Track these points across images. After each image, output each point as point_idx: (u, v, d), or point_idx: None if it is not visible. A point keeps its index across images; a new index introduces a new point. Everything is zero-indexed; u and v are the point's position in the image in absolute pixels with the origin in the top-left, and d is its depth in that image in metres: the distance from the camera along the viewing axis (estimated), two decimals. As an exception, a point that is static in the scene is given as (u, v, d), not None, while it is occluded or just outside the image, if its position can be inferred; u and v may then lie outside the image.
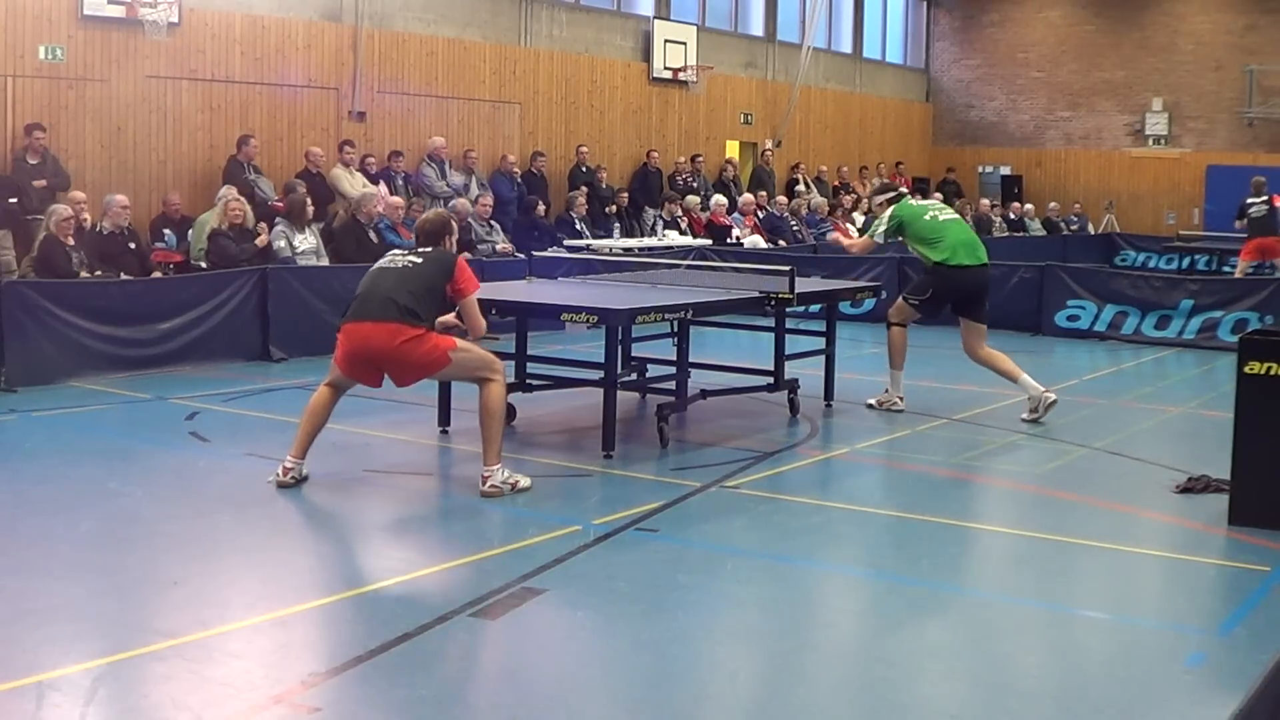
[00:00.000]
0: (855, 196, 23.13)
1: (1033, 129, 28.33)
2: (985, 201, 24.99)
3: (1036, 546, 6.46)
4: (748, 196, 20.49)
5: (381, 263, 7.24)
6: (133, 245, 12.11)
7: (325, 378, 7.30)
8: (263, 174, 14.70)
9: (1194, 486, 7.30)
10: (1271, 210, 18.49)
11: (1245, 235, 18.82)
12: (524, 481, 7.09)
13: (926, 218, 9.74)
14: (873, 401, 9.78)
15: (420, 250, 7.21)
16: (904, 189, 10.32)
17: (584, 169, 18.79)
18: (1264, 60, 25.86)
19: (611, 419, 7.88)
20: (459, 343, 7.15)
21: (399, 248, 7.31)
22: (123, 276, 11.42)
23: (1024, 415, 9.46)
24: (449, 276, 7.07)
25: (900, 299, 9.97)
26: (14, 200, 12.61)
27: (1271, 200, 18.54)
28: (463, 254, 7.32)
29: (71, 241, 11.13)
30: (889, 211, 9.81)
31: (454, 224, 7.59)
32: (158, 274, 12.14)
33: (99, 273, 11.21)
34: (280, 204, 13.70)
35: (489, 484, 6.96)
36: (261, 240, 12.45)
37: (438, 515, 7.00)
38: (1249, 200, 18.68)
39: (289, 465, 7.10)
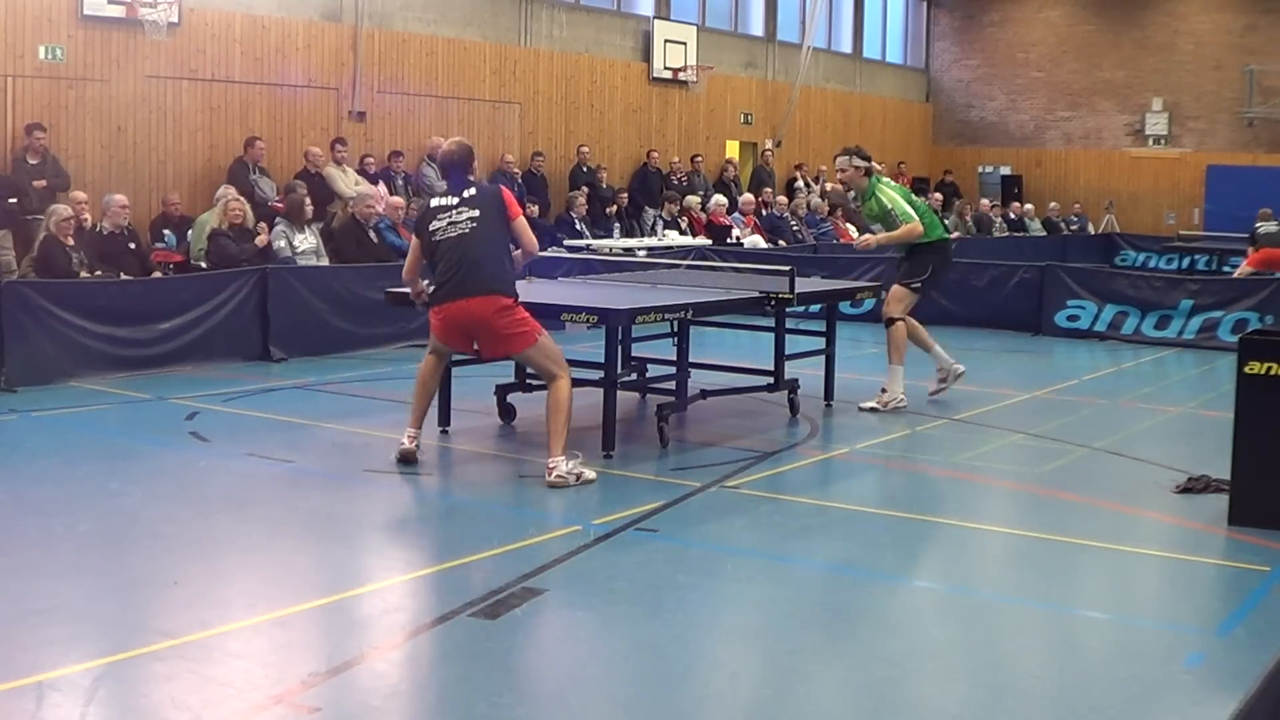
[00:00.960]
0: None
1: (1033, 129, 28.33)
2: (985, 201, 24.99)
3: (1036, 546, 6.46)
4: (748, 196, 20.49)
5: (444, 230, 7.24)
6: (133, 245, 12.11)
7: (428, 348, 7.64)
8: (267, 175, 14.71)
9: (1194, 486, 7.30)
10: None
11: (1251, 245, 18.77)
12: (589, 474, 7.23)
13: (914, 196, 9.92)
14: (875, 404, 9.63)
15: (466, 198, 7.27)
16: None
17: (584, 169, 18.80)
18: (1264, 60, 25.86)
19: (611, 419, 7.88)
20: (545, 332, 7.37)
21: (443, 206, 7.30)
22: (123, 276, 11.42)
23: (932, 389, 9.89)
24: (505, 214, 7.27)
25: (898, 288, 9.84)
26: (14, 200, 12.61)
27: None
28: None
29: (71, 241, 11.13)
30: (889, 192, 9.74)
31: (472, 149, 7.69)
32: (158, 274, 12.14)
33: (99, 273, 11.22)
34: (280, 204, 13.71)
35: (554, 474, 7.09)
36: (261, 240, 12.45)
37: (438, 515, 7.00)
38: (1258, 224, 18.71)
39: (412, 433, 7.49)
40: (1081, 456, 8.35)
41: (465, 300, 7.14)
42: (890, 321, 9.80)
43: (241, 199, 12.94)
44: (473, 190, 7.31)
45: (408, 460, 7.47)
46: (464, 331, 7.30)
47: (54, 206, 11.45)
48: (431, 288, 7.43)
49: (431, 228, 7.30)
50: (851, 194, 10.30)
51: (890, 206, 9.68)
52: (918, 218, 9.70)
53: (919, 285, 9.78)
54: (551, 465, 7.12)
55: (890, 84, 27.87)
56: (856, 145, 10.23)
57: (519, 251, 7.45)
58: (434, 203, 7.47)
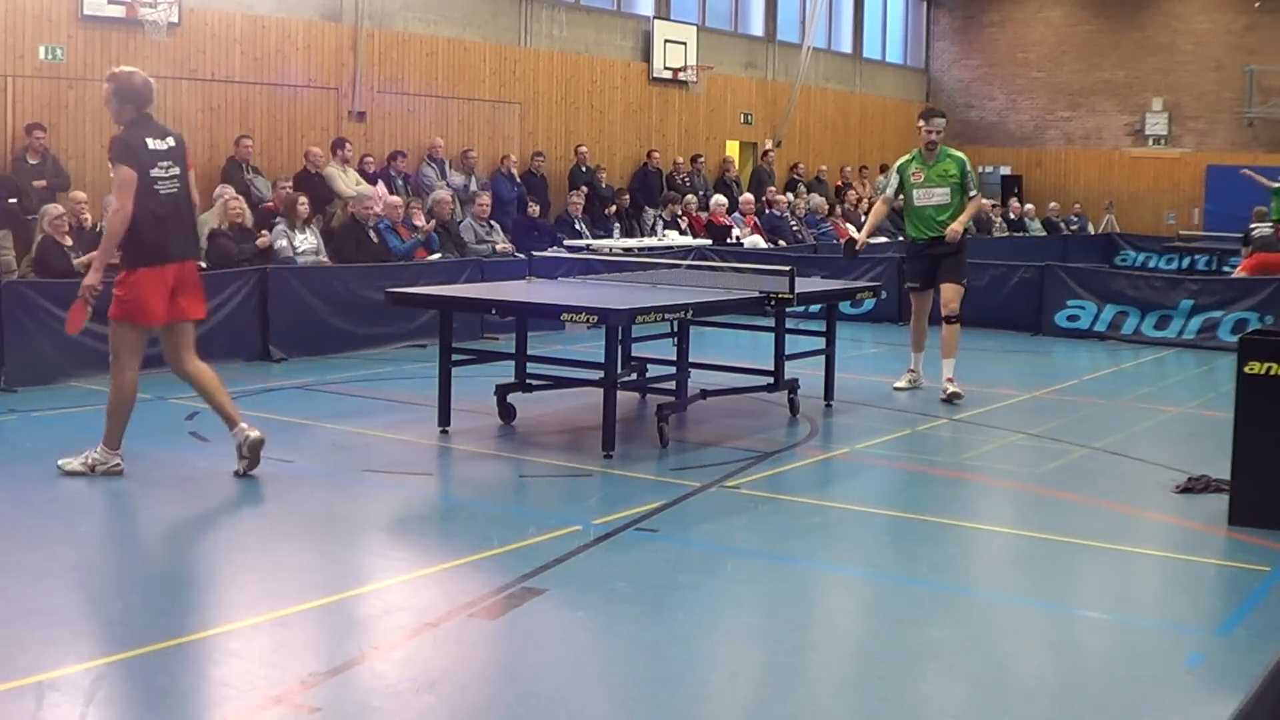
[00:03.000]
0: (856, 196, 23.13)
1: (1033, 129, 28.33)
2: (986, 202, 24.81)
3: (1036, 546, 6.46)
4: (747, 196, 20.47)
5: (164, 182, 6.96)
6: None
7: (133, 359, 7.21)
8: (260, 174, 14.69)
9: (1194, 486, 7.30)
10: (1276, 233, 18.41)
11: (1245, 246, 18.73)
12: (113, 462, 7.07)
13: None
14: (955, 390, 9.96)
15: (171, 147, 7.01)
16: None
17: (584, 169, 18.79)
18: (1264, 60, 25.86)
19: (611, 419, 7.88)
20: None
21: (159, 151, 6.92)
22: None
23: (900, 385, 10.35)
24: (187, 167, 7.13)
25: (958, 287, 10.18)
26: (14, 200, 12.60)
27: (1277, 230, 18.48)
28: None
29: (69, 241, 11.11)
30: (961, 158, 10.23)
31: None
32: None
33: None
34: (272, 204, 13.73)
35: (79, 461, 7.01)
36: (262, 241, 12.42)
37: (438, 515, 7.00)
38: (1252, 226, 18.64)
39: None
40: (1081, 456, 8.35)
41: (186, 262, 7.08)
42: (957, 318, 10.10)
43: (240, 198, 12.93)
44: (172, 140, 7.07)
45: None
46: (171, 292, 6.99)
47: (46, 206, 11.44)
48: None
49: (153, 174, 6.89)
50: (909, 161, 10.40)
51: (969, 167, 10.16)
52: (981, 198, 10.41)
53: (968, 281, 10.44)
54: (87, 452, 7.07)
55: (890, 84, 27.86)
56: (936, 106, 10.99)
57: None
58: (150, 143, 6.93)
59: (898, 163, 10.56)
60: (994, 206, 24.89)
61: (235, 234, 12.38)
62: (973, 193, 10.19)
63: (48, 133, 13.05)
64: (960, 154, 10.31)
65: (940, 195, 10.12)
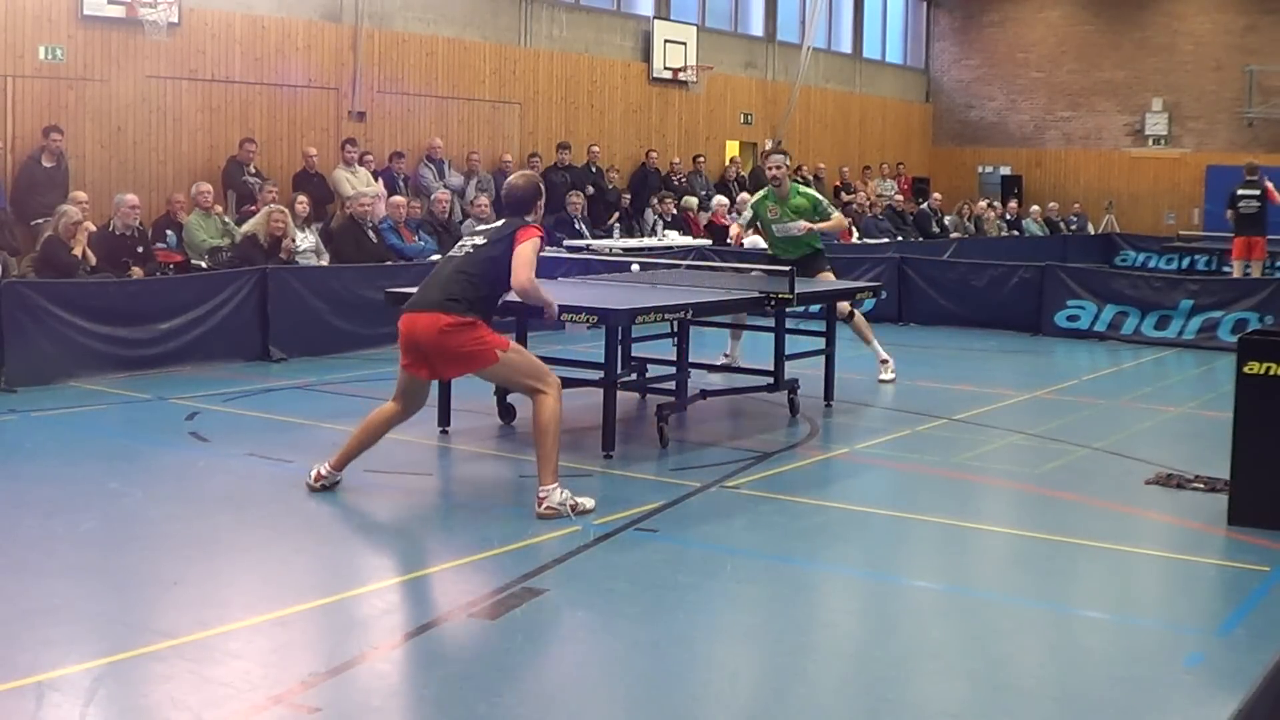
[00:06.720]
0: (866, 198, 23.09)
1: (1033, 129, 28.33)
2: (982, 204, 24.67)
3: (1036, 546, 6.46)
4: (744, 196, 20.39)
5: (453, 249, 6.95)
6: (140, 250, 12.00)
7: (393, 391, 6.99)
8: (261, 175, 14.67)
9: (1168, 483, 7.44)
10: (1263, 205, 18.17)
11: (1233, 231, 18.62)
12: (587, 503, 6.57)
13: None
14: (890, 375, 10.22)
15: (492, 226, 6.98)
16: None
17: (593, 169, 18.75)
18: (1264, 60, 25.86)
19: (611, 419, 7.88)
20: (513, 345, 6.84)
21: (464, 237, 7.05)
22: (135, 274, 11.37)
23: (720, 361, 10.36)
24: (510, 244, 6.64)
25: (849, 307, 10.48)
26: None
27: (1266, 192, 18.22)
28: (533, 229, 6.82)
29: (83, 249, 11.03)
30: (812, 195, 10.54)
31: (541, 188, 7.17)
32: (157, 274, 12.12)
33: (105, 273, 11.16)
34: (254, 208, 13.77)
35: (545, 505, 6.46)
36: (286, 252, 12.34)
37: (438, 515, 6.99)
38: (1239, 192, 18.32)
39: (323, 473, 6.93)
40: (1081, 456, 8.34)
41: (415, 313, 6.63)
42: (851, 315, 10.45)
43: (285, 211, 12.84)
44: (502, 223, 6.92)
45: (314, 490, 6.93)
46: (415, 350, 6.68)
47: (63, 208, 11.38)
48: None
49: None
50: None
51: (820, 199, 10.56)
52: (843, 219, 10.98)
53: None
54: (542, 495, 6.50)
55: (890, 84, 27.86)
56: (780, 140, 11.23)
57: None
58: (475, 229, 7.54)
59: (754, 198, 10.98)
60: (989, 206, 24.76)
61: (269, 244, 12.32)
62: (835, 214, 10.59)
63: (64, 135, 13.02)
64: (811, 190, 10.68)
65: (797, 229, 10.41)
